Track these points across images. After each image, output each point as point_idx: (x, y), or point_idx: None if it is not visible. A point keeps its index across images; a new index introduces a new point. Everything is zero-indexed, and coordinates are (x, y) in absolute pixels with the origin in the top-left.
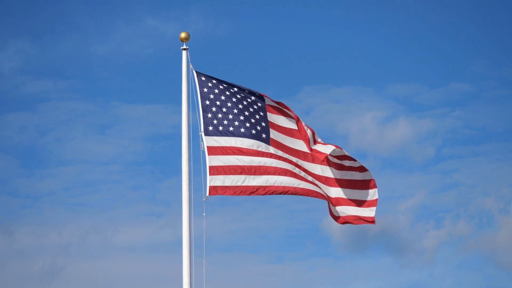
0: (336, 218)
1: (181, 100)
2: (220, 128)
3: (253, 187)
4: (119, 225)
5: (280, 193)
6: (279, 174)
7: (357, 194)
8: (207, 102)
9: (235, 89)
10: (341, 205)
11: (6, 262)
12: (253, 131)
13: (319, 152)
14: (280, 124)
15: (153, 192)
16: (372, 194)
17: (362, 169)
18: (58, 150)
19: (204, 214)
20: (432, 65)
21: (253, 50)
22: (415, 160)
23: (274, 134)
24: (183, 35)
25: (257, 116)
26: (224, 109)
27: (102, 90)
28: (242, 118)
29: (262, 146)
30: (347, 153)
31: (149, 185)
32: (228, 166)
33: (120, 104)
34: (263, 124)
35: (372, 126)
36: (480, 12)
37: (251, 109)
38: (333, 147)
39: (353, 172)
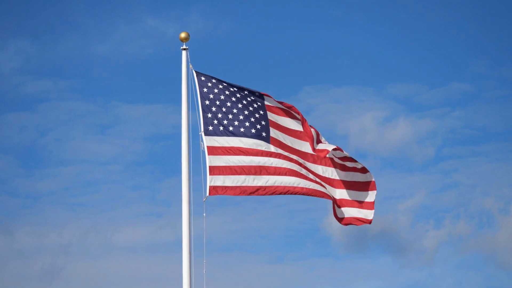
0: (340, 219)
1: (181, 100)
2: (221, 128)
3: (253, 187)
4: (119, 225)
5: (280, 193)
6: (280, 174)
7: (358, 195)
8: (207, 102)
9: (235, 88)
10: (344, 206)
11: (6, 262)
12: (253, 130)
13: (322, 150)
14: (285, 125)
15: (153, 192)
16: (372, 196)
17: (364, 170)
18: (58, 150)
19: (204, 214)
20: (432, 65)
21: (253, 50)
22: (415, 160)
23: (275, 133)
24: (183, 35)
25: (257, 115)
26: (224, 109)
27: (102, 90)
28: (241, 117)
29: (262, 145)
30: (348, 155)
31: (149, 185)
32: (228, 166)
33: (120, 104)
34: (263, 122)
35: (372, 126)
36: (480, 12)
37: (250, 108)
38: (335, 147)
39: (355, 173)
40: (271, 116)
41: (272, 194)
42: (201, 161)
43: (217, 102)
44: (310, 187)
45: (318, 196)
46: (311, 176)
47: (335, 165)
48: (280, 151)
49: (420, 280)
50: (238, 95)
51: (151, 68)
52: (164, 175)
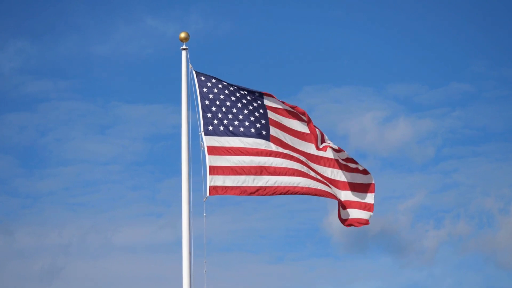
0: (343, 220)
1: (181, 100)
2: (221, 128)
3: (253, 187)
4: (119, 225)
5: (280, 193)
6: (280, 174)
7: (361, 197)
8: (207, 102)
9: (234, 87)
10: (348, 207)
11: (6, 262)
12: (253, 129)
13: (324, 147)
14: (290, 126)
15: (153, 192)
16: (371, 197)
17: (365, 172)
18: (58, 150)
19: (204, 214)
20: (432, 65)
21: (253, 50)
22: (415, 160)
23: (275, 132)
24: (182, 35)
25: (256, 114)
26: (223, 109)
27: (102, 90)
28: (241, 116)
29: (262, 144)
30: (349, 156)
31: (149, 185)
32: (229, 166)
33: (120, 104)
34: (263, 121)
35: (372, 126)
36: (480, 12)
37: (250, 107)
38: (337, 148)
39: (357, 175)
40: (271, 115)
41: (272, 194)
42: (201, 161)
43: (217, 102)
44: (311, 186)
45: (319, 195)
46: (312, 174)
47: (340, 166)
48: (280, 149)
49: (420, 280)
50: (237, 94)
51: (151, 68)
52: (164, 175)
